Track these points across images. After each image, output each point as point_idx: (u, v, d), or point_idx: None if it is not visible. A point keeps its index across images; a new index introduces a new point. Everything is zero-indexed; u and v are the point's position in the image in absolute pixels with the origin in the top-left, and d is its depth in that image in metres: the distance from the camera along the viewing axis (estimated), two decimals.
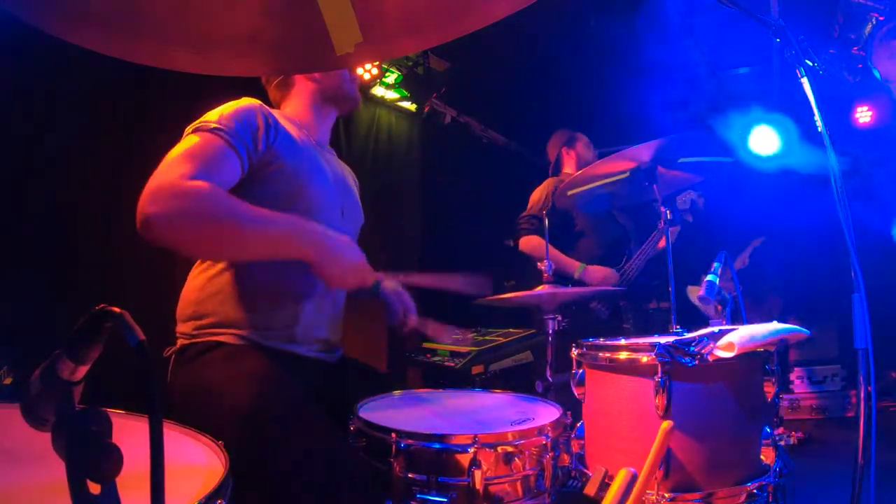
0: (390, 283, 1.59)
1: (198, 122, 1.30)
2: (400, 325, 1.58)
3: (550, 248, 2.73)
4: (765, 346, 1.14)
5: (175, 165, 1.18)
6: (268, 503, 1.07)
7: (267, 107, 1.43)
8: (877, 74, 1.83)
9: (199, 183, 1.16)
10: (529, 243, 2.88)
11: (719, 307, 1.67)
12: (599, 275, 2.77)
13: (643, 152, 1.80)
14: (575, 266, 2.78)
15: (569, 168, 3.11)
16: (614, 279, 2.79)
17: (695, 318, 1.56)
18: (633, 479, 0.92)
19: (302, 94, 1.58)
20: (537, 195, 2.98)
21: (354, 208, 1.65)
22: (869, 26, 1.92)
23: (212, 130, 1.26)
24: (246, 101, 1.38)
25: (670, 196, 2.01)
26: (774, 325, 1.17)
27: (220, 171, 1.23)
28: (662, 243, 3.00)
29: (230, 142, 1.26)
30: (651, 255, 2.94)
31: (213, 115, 1.31)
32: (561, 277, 2.64)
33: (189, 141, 1.26)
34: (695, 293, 1.65)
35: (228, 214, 1.18)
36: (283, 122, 1.45)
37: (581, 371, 1.34)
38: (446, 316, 1.65)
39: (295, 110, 1.58)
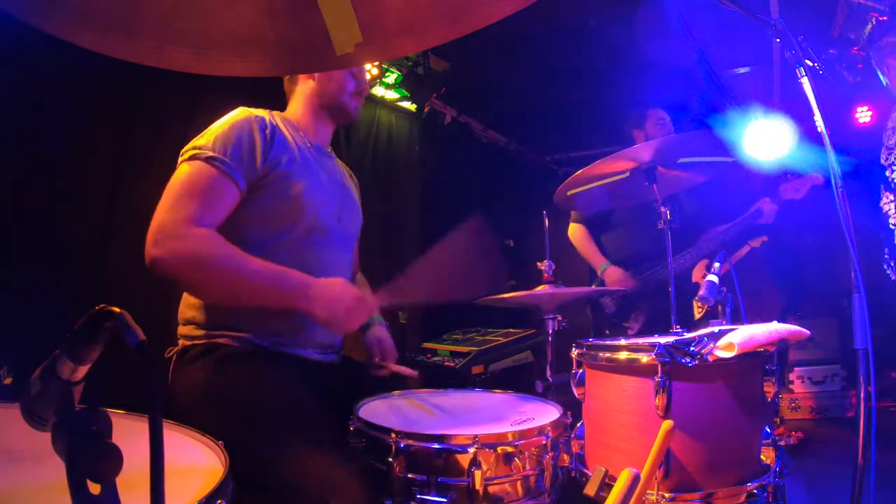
0: (375, 330, 1.63)
1: (193, 146, 1.31)
2: (373, 367, 1.59)
3: (591, 244, 2.87)
4: (765, 346, 1.14)
5: (176, 205, 1.24)
6: (267, 503, 1.07)
7: (262, 112, 1.42)
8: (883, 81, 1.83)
9: (198, 231, 1.22)
10: (575, 232, 2.95)
11: (719, 307, 1.67)
12: (615, 276, 2.79)
13: (643, 152, 1.80)
14: (601, 263, 2.84)
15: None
16: (629, 284, 2.80)
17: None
18: (636, 479, 0.92)
19: (302, 93, 1.58)
20: None
21: (353, 211, 1.65)
22: (869, 26, 1.92)
23: (207, 160, 1.28)
24: (241, 115, 1.38)
25: (670, 196, 2.01)
26: (774, 325, 1.17)
27: (219, 205, 1.29)
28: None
29: (227, 172, 1.29)
30: (681, 270, 2.92)
31: (208, 140, 1.31)
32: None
33: (186, 173, 1.28)
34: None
35: (226, 265, 1.24)
36: (280, 125, 1.45)
37: (581, 371, 1.34)
38: (446, 316, 1.65)
39: (295, 111, 1.58)
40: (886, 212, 1.86)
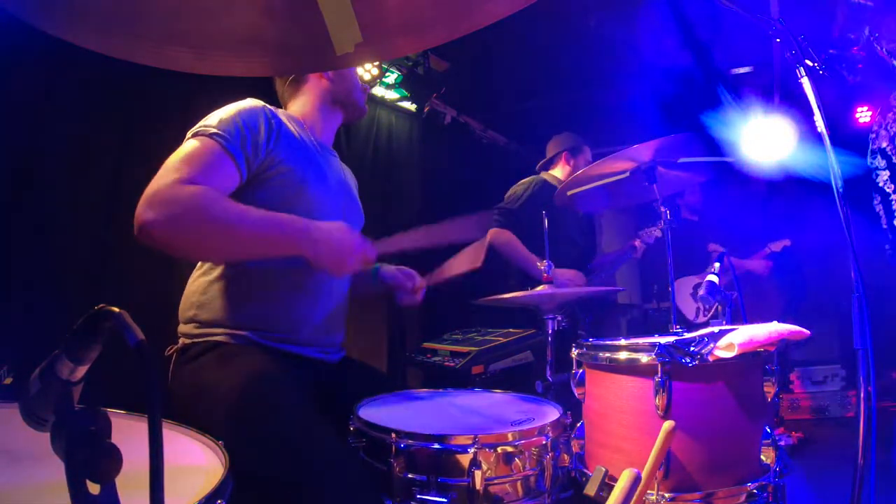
0: (388, 268, 1.61)
1: (198, 125, 1.30)
2: (412, 299, 1.59)
3: (522, 247, 2.77)
4: (765, 346, 1.14)
5: (171, 170, 1.20)
6: (267, 503, 1.07)
7: (270, 107, 1.43)
8: None
9: (192, 187, 1.17)
10: (500, 237, 2.82)
11: (719, 307, 1.67)
12: (566, 277, 2.77)
13: (643, 152, 1.80)
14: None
15: (558, 172, 3.10)
16: (582, 281, 2.80)
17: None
18: (637, 479, 0.92)
19: (312, 92, 1.58)
20: (519, 189, 2.96)
21: (355, 211, 1.65)
22: (869, 27, 1.92)
23: (211, 136, 1.27)
24: (248, 104, 1.38)
25: (670, 196, 2.01)
26: (774, 325, 1.17)
27: (215, 176, 1.25)
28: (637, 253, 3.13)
29: (228, 148, 1.27)
30: (619, 265, 3.00)
31: (213, 120, 1.31)
32: (528, 278, 2.66)
33: (187, 146, 1.26)
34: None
35: (221, 216, 1.19)
36: (286, 122, 1.45)
37: (581, 371, 1.34)
38: (446, 315, 1.65)
39: (302, 109, 1.58)
40: (878, 213, 1.88)
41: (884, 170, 1.83)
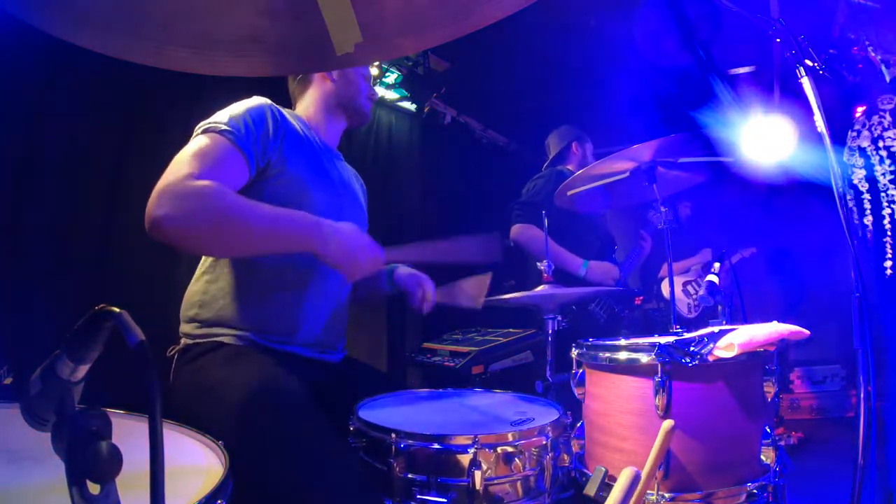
0: (403, 270, 1.61)
1: (207, 121, 1.30)
2: (422, 307, 1.59)
3: (552, 242, 2.72)
4: (765, 346, 1.14)
5: (182, 166, 1.19)
6: (267, 503, 1.07)
7: (277, 106, 1.43)
8: None
9: (204, 182, 1.17)
10: (525, 232, 2.75)
11: (719, 307, 1.67)
12: (602, 270, 2.74)
13: (643, 152, 1.80)
14: (579, 262, 2.74)
15: (571, 165, 3.08)
16: (616, 274, 2.77)
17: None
18: (637, 478, 0.92)
19: (317, 93, 1.59)
20: (539, 182, 2.90)
21: (359, 214, 1.65)
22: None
23: (221, 132, 1.27)
24: (256, 101, 1.39)
25: (670, 196, 2.01)
26: (774, 325, 1.17)
27: (226, 171, 1.24)
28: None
29: (238, 144, 1.27)
30: (639, 261, 2.99)
31: (222, 116, 1.31)
32: (560, 275, 2.62)
33: (197, 141, 1.26)
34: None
35: (233, 212, 1.19)
36: (292, 121, 1.45)
37: (581, 371, 1.34)
38: (446, 315, 1.65)
39: (307, 110, 1.59)
40: (851, 207, 1.92)
41: (861, 168, 1.87)
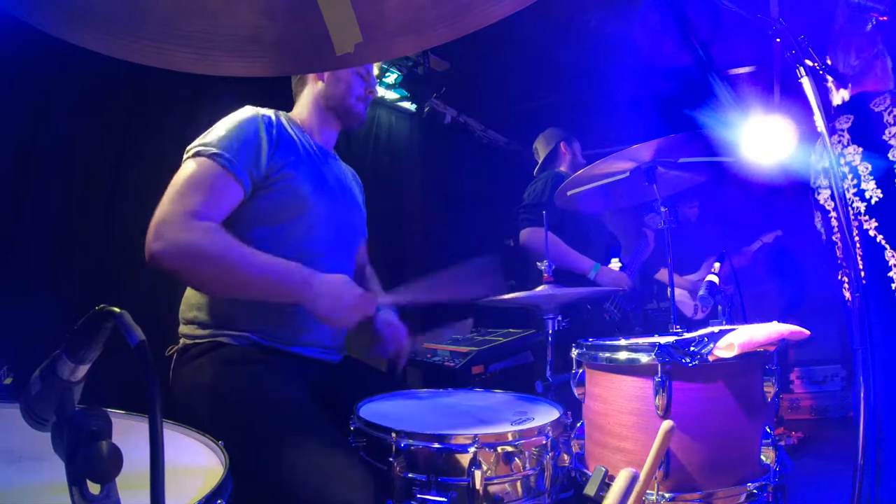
0: (384, 315, 1.58)
1: (198, 143, 1.31)
2: (392, 358, 1.59)
3: (561, 243, 2.71)
4: (765, 346, 1.14)
5: (178, 198, 1.22)
6: (267, 503, 1.07)
7: (268, 112, 1.42)
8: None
9: (201, 224, 1.21)
10: (535, 236, 2.73)
11: (719, 307, 1.67)
12: (611, 277, 2.74)
13: (643, 152, 1.80)
14: (590, 265, 2.74)
15: (563, 166, 3.08)
16: (626, 282, 2.77)
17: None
18: (635, 479, 0.92)
19: (310, 95, 1.59)
20: (539, 185, 2.90)
21: (356, 215, 1.65)
22: (869, 26, 1.93)
23: (211, 156, 1.28)
24: (246, 114, 1.38)
25: (670, 196, 2.01)
26: (774, 325, 1.17)
27: (222, 202, 1.28)
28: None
29: (230, 169, 1.28)
30: (642, 260, 2.99)
31: (212, 137, 1.31)
32: (562, 275, 2.62)
33: (190, 168, 1.27)
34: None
35: (227, 259, 1.23)
36: (286, 125, 1.45)
37: (581, 371, 1.34)
38: (446, 315, 1.65)
39: (300, 112, 1.59)
40: (819, 230, 1.97)
41: (826, 188, 1.92)
